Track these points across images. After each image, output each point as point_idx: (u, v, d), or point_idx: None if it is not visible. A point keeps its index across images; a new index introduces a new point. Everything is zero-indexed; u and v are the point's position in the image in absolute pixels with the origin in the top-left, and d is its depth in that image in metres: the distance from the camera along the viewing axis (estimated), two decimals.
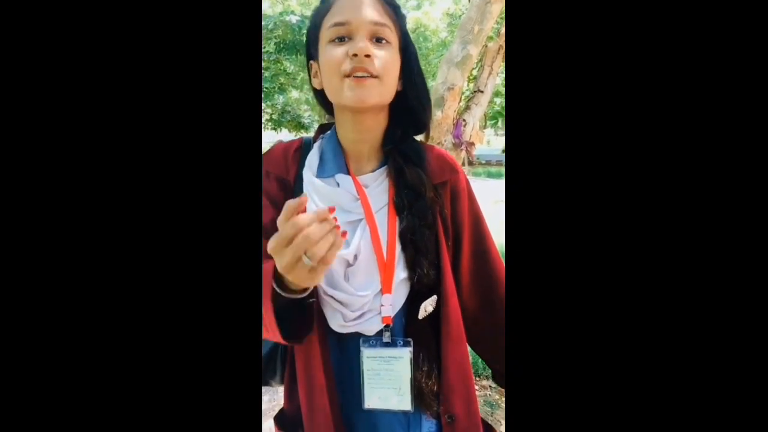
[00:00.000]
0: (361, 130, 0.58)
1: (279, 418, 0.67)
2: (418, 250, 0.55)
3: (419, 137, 0.64)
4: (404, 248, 0.55)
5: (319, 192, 0.58)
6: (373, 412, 0.58)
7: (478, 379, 1.95)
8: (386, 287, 0.55)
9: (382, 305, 0.55)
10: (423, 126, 0.61)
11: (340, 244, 0.42)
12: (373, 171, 0.59)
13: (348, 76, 0.52)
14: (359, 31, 0.52)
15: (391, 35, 0.54)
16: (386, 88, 0.54)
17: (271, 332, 0.50)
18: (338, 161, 0.59)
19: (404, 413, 0.58)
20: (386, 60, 0.53)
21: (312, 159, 0.60)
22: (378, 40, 0.53)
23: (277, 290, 0.47)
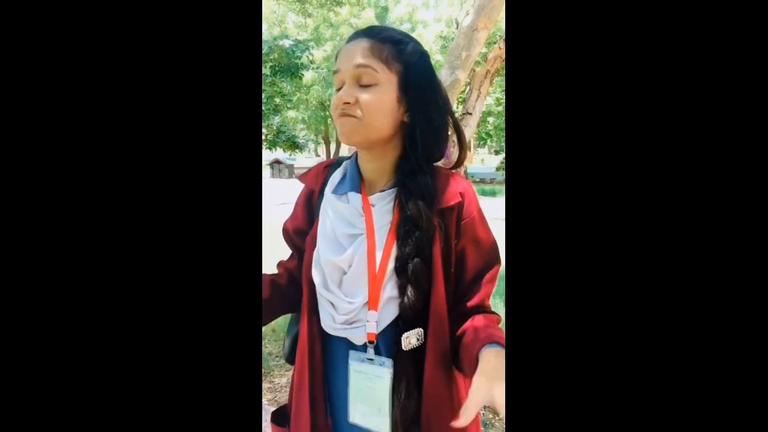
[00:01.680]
0: (369, 159, 0.64)
1: (276, 414, 0.71)
2: (408, 279, 0.57)
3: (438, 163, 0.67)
4: (398, 274, 0.58)
5: (332, 205, 0.63)
6: (357, 427, 0.60)
7: None
8: (373, 304, 0.57)
9: (368, 321, 0.58)
10: (432, 156, 0.63)
11: None
12: (382, 191, 0.62)
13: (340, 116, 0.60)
14: (347, 78, 0.59)
15: (380, 76, 0.58)
16: (370, 126, 0.58)
17: None
18: (354, 180, 0.64)
19: None
20: (369, 102, 0.58)
21: (335, 176, 0.66)
22: (365, 83, 0.58)
23: None
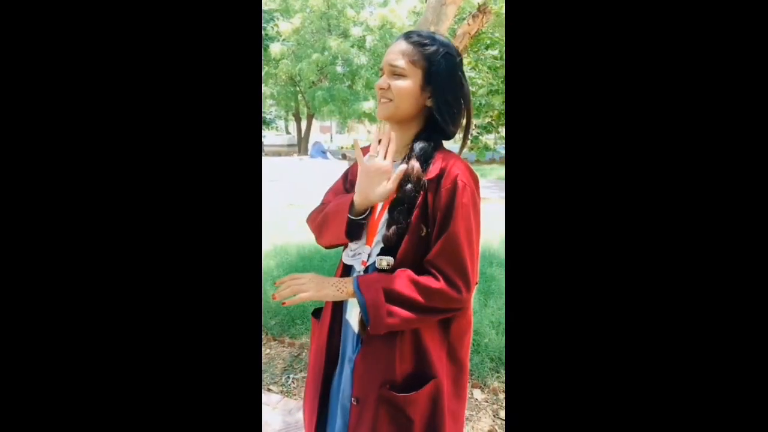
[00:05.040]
0: (397, 133, 0.84)
1: (315, 310, 0.98)
2: (392, 218, 0.79)
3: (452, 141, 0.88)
4: (388, 213, 0.80)
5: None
6: (347, 332, 0.87)
7: None
8: (369, 240, 0.83)
9: (363, 252, 0.83)
10: (444, 134, 0.84)
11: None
12: (395, 161, 0.83)
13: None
14: (386, 70, 0.82)
15: (409, 70, 0.79)
16: (400, 107, 0.80)
17: (337, 239, 0.83)
18: None
19: (354, 334, 0.86)
20: (399, 88, 0.80)
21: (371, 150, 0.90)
22: (397, 74, 0.80)
23: (351, 216, 0.80)
